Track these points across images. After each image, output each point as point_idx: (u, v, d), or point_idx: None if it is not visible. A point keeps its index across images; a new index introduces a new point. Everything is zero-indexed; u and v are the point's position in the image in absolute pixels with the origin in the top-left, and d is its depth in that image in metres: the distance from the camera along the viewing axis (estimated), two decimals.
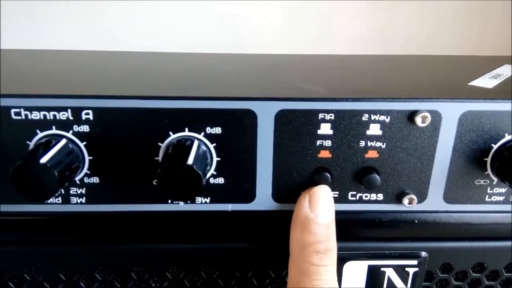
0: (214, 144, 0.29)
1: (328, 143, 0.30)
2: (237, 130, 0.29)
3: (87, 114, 0.28)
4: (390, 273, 0.33)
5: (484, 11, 0.62)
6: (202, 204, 0.31)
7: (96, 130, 0.29)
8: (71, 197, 0.30)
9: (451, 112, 0.30)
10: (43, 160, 0.25)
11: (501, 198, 0.32)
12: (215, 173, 0.30)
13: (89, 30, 0.58)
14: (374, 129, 0.30)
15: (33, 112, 0.28)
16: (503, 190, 0.32)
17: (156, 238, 0.32)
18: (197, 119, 0.29)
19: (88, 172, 0.30)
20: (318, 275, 0.29)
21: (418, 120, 0.29)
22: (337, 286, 0.30)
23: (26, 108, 0.28)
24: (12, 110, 0.28)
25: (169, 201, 0.31)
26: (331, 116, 0.29)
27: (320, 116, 0.29)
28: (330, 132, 0.30)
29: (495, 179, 0.31)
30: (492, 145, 0.30)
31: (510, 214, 0.32)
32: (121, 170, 0.30)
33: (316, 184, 0.31)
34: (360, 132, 0.30)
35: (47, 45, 0.56)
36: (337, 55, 0.53)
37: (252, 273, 0.34)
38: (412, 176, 0.31)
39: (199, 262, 0.33)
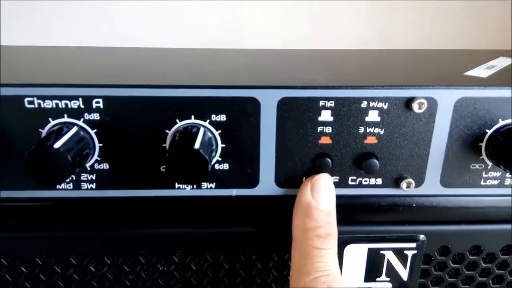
0: (219, 131, 0.30)
1: (328, 129, 0.31)
2: (241, 117, 0.30)
3: (97, 102, 0.29)
4: (390, 256, 0.34)
5: (484, 11, 0.62)
6: (207, 189, 0.32)
7: (106, 118, 0.30)
8: (82, 183, 0.31)
9: (447, 99, 0.30)
10: (57, 145, 0.26)
11: (496, 182, 0.33)
12: (220, 159, 0.31)
13: (95, 28, 0.60)
14: (373, 116, 0.31)
15: (46, 101, 0.29)
16: (497, 174, 0.33)
17: (163, 223, 0.34)
18: (202, 107, 0.30)
19: (98, 158, 0.31)
20: (320, 257, 0.30)
21: (415, 106, 0.30)
22: (338, 268, 0.31)
23: (39, 97, 0.29)
24: (26, 99, 0.29)
25: (176, 186, 0.32)
26: (331, 103, 0.30)
27: (321, 103, 0.30)
28: (331, 119, 0.31)
29: (490, 163, 0.32)
30: (487, 130, 0.31)
31: (504, 197, 0.33)
32: (130, 156, 0.31)
33: (317, 169, 0.32)
34: (359, 119, 0.31)
35: (60, 42, 0.57)
36: (337, 49, 0.54)
37: (256, 256, 0.35)
38: (409, 161, 0.32)
39: (205, 246, 0.34)
